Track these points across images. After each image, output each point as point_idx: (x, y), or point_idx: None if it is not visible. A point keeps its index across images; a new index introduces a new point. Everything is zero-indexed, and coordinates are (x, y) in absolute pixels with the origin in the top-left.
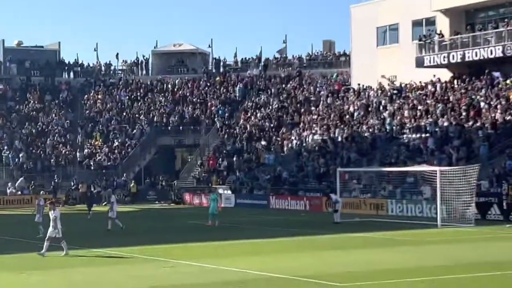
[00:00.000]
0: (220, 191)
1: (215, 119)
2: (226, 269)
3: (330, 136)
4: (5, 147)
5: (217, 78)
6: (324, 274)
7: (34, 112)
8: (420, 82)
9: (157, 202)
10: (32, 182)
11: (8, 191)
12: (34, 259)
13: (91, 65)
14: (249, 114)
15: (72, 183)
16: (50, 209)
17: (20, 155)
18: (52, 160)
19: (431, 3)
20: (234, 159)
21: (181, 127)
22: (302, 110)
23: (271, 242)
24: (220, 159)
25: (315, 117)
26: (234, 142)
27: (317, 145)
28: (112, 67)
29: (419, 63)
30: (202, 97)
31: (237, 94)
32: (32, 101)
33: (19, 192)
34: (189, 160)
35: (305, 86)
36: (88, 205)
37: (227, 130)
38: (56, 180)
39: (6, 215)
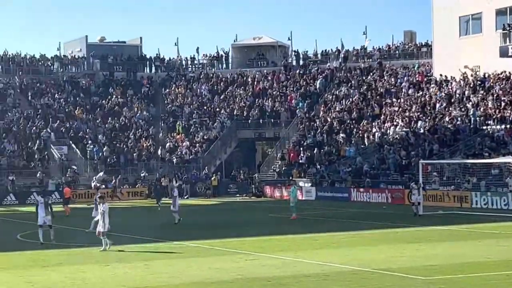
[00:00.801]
0: (301, 184)
1: (296, 111)
2: (308, 262)
3: (411, 128)
4: (89, 141)
5: (297, 71)
6: (407, 268)
7: (116, 107)
8: (504, 72)
9: (238, 195)
10: (118, 175)
11: (92, 184)
12: (115, 253)
13: (172, 59)
14: (329, 107)
15: (156, 176)
16: (99, 203)
17: (104, 149)
18: (134, 154)
19: None
20: (315, 151)
21: (261, 120)
22: (383, 102)
23: (352, 235)
24: (301, 152)
25: (396, 108)
26: (314, 134)
27: (399, 137)
28: (193, 61)
29: (503, 53)
30: (282, 90)
31: (317, 87)
32: (114, 96)
33: (103, 186)
34: (269, 153)
35: (385, 78)
36: (157, 198)
37: (307, 123)
38: (118, 177)
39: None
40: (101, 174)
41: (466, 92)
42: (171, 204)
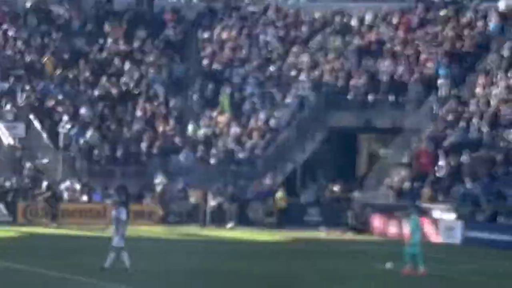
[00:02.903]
0: (436, 214)
1: (435, 84)
2: None
3: None
4: (64, 118)
5: (443, 12)
6: None
7: (116, 59)
8: None
9: (322, 227)
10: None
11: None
12: None
13: None
14: (494, 77)
15: (178, 187)
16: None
17: (89, 133)
18: (143, 144)
19: None
20: (465, 158)
21: (369, 97)
22: None
23: None
24: (439, 158)
25: None
26: (466, 127)
27: None
28: None
29: None
30: (411, 43)
31: (474, 42)
32: (112, 39)
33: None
34: (383, 156)
35: None
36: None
37: (454, 106)
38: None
39: None
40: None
41: None
42: None
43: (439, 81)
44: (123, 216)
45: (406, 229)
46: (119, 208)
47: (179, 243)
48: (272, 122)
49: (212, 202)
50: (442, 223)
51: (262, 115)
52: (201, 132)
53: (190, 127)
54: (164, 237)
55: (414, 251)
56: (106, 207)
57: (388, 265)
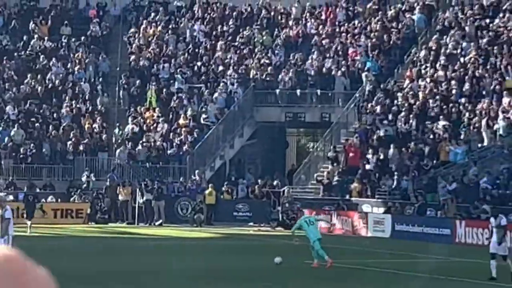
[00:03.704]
0: (366, 208)
1: (361, 77)
2: None
3: None
4: None
5: (369, 4)
6: None
7: (40, 56)
8: None
9: (252, 223)
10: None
11: None
12: None
13: None
14: (421, 71)
15: (108, 184)
16: None
17: (12, 131)
18: (69, 143)
19: None
20: (392, 151)
21: (298, 91)
22: None
23: None
24: (368, 151)
25: None
26: (393, 121)
27: None
28: None
29: None
30: (338, 37)
31: (401, 35)
32: (36, 36)
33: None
34: (311, 150)
35: None
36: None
37: (382, 99)
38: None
39: None
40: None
41: None
42: None
43: (367, 75)
44: (7, 215)
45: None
46: (6, 206)
47: (107, 241)
48: (200, 118)
49: (140, 199)
50: (371, 217)
51: (190, 111)
52: (129, 129)
53: (117, 128)
54: (92, 235)
55: (315, 246)
56: None
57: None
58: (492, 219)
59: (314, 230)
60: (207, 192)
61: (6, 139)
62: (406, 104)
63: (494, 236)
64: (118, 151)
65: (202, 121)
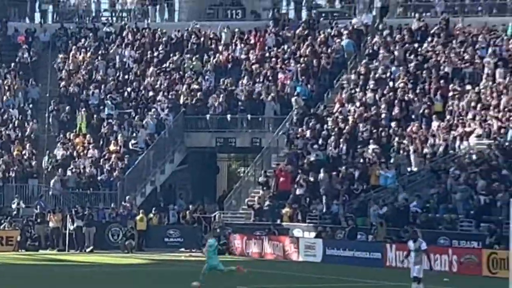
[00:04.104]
0: (297, 233)
1: (292, 101)
2: None
3: (499, 140)
4: None
5: (298, 30)
6: None
7: None
8: None
9: (183, 249)
10: None
11: None
12: None
13: (71, 3)
14: (351, 96)
15: (37, 211)
16: None
17: None
18: None
19: None
20: (322, 175)
21: (229, 116)
22: (450, 90)
23: None
24: (298, 176)
25: (473, 103)
26: (323, 145)
27: (476, 154)
28: (112, 6)
29: None
30: (268, 62)
31: (331, 60)
32: None
33: None
34: (242, 175)
35: (454, 46)
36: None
37: (312, 124)
38: None
39: None
40: None
41: None
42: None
43: (297, 99)
44: None
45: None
46: None
47: (37, 269)
48: (130, 144)
49: (70, 226)
50: (302, 241)
51: (120, 137)
52: (59, 155)
53: (47, 154)
54: (22, 262)
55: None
56: None
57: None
58: (410, 243)
59: (215, 257)
60: (138, 218)
61: None
62: (336, 129)
63: (412, 259)
64: (52, 180)
65: (130, 147)
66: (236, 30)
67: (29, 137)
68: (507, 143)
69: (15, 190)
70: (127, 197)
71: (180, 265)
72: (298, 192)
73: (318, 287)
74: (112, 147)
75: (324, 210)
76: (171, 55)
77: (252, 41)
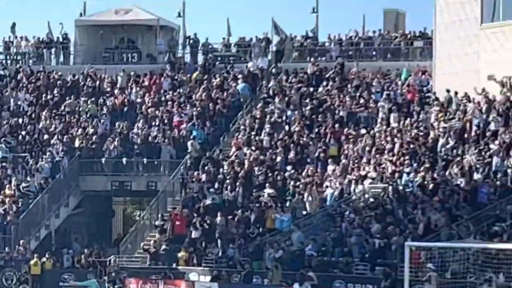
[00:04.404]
0: (192, 277)
1: (188, 145)
2: None
3: (394, 183)
4: None
5: (195, 74)
6: None
7: None
8: None
9: None
10: None
11: None
12: None
13: None
14: (247, 139)
15: None
16: None
17: None
18: None
19: None
20: (219, 219)
21: (124, 160)
22: (344, 134)
23: None
24: (194, 220)
25: (368, 147)
26: (219, 189)
27: (371, 198)
28: (7, 49)
29: None
30: (163, 106)
31: (226, 103)
32: None
33: None
34: (138, 219)
35: (349, 91)
36: None
37: (208, 168)
38: None
39: None
40: None
41: (492, 124)
42: None
43: (193, 143)
44: None
45: None
46: None
47: None
48: (24, 188)
49: None
50: (198, 285)
51: (14, 181)
52: None
53: None
54: None
55: None
56: None
57: None
58: (296, 285)
59: None
60: (32, 262)
61: None
62: (232, 172)
63: None
64: None
65: (22, 190)
66: (132, 73)
67: None
68: (401, 187)
69: None
70: (21, 241)
71: None
72: (193, 235)
73: None
74: (7, 191)
75: (220, 254)
76: (67, 98)
77: (148, 85)
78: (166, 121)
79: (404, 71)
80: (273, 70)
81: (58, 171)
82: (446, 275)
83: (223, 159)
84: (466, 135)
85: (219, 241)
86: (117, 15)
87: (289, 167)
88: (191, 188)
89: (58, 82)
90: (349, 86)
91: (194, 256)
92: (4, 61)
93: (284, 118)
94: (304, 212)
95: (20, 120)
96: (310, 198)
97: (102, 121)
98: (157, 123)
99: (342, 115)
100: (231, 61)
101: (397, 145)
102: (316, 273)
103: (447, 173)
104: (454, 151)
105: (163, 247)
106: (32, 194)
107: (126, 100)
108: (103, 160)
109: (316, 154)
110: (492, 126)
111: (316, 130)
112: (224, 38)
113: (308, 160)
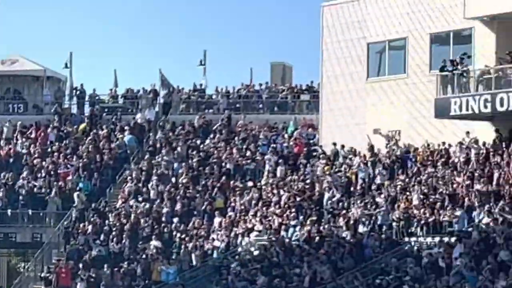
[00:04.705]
0: None
1: (74, 197)
2: None
3: (279, 236)
4: None
5: (82, 125)
6: None
7: None
8: (444, 144)
9: None
10: None
11: None
12: None
13: None
14: (134, 190)
15: None
16: None
17: None
18: None
19: (464, 8)
20: (105, 271)
21: (9, 211)
22: (231, 187)
23: None
24: (80, 272)
25: (254, 200)
26: (105, 241)
27: (257, 251)
28: None
29: (442, 110)
30: (50, 157)
31: (113, 155)
32: None
33: None
34: (22, 271)
35: (236, 143)
36: None
37: (94, 219)
38: None
39: None
40: None
41: (378, 178)
42: None
43: (79, 194)
44: None
45: None
46: None
47: None
48: None
49: None
50: None
51: None
52: None
53: None
54: None
55: None
56: None
57: None
58: None
59: None
60: None
61: None
62: (118, 224)
63: None
64: None
65: None
66: (18, 124)
67: None
68: (287, 240)
69: None
70: None
71: None
72: (79, 287)
73: None
74: None
75: None
76: None
77: (34, 136)
78: (52, 172)
79: (291, 124)
80: (161, 122)
81: None
82: None
83: (109, 211)
84: (352, 188)
85: None
86: (3, 65)
87: (175, 219)
88: (77, 240)
89: None
90: (236, 138)
91: None
92: None
93: (171, 170)
94: (190, 265)
95: None
96: (196, 251)
97: None
98: (43, 175)
99: (229, 167)
100: (118, 112)
101: (283, 198)
102: None
103: (332, 226)
104: (340, 204)
105: None
106: None
107: (11, 151)
108: None
109: (203, 207)
110: (377, 180)
111: (203, 182)
112: (111, 89)
113: (195, 212)
